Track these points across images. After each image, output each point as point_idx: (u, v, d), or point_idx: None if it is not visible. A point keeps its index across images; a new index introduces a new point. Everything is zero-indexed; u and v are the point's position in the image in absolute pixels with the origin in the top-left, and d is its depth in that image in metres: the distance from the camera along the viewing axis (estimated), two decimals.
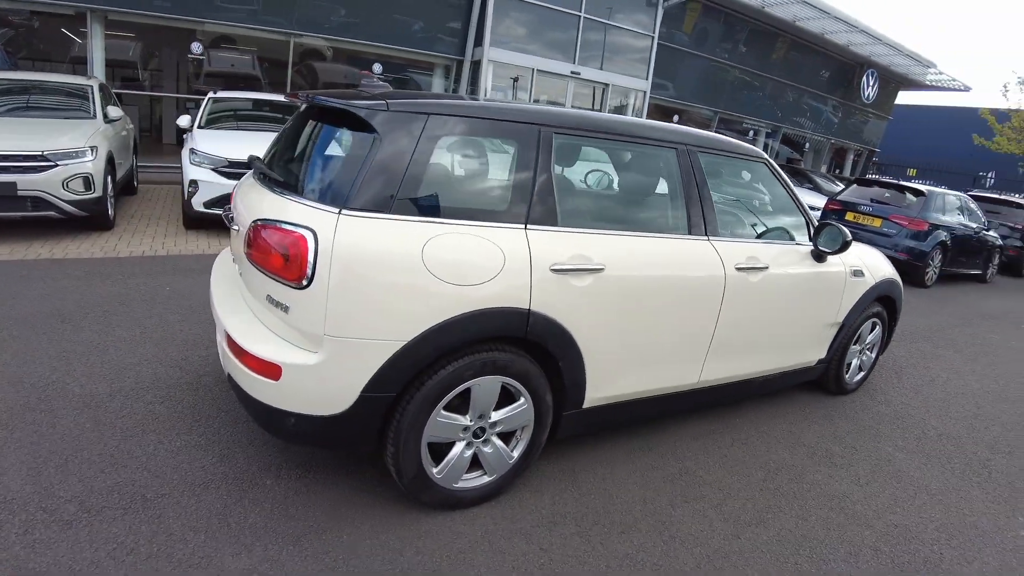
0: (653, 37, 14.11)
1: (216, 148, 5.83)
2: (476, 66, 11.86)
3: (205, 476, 2.42)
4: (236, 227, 2.39)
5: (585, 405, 2.59)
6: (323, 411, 2.05)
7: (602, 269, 2.41)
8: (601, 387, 2.60)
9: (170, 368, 3.25)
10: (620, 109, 14.35)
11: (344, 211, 1.97)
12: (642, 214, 2.79)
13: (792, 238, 3.38)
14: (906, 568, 2.52)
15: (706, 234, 2.87)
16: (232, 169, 5.80)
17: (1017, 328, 7.35)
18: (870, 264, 3.97)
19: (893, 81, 20.95)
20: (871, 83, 19.81)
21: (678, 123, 17.69)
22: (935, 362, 5.39)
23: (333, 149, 2.35)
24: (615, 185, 3.20)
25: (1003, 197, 12.84)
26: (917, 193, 9.05)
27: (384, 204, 2.01)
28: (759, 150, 3.35)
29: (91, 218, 5.50)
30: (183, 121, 6.48)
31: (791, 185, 3.50)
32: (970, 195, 11.06)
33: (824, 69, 18.98)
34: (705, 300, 2.86)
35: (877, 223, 8.84)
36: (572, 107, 13.52)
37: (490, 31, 11.50)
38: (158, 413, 2.83)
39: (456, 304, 2.08)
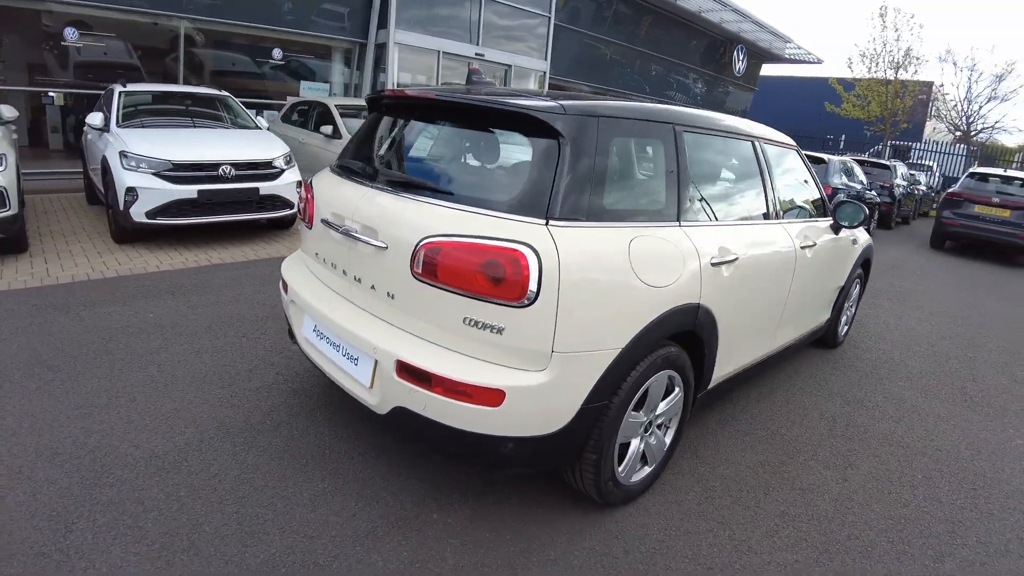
0: (549, 17, 14.49)
1: (154, 150, 5.27)
2: (381, 49, 11.52)
3: (366, 524, 2.24)
4: (380, 243, 2.16)
5: (710, 386, 2.81)
6: (543, 431, 2.01)
7: (737, 258, 2.65)
8: (723, 367, 2.85)
9: (227, 409, 2.94)
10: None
11: (551, 222, 1.94)
12: (742, 203, 3.04)
13: (811, 214, 3.81)
14: (968, 483, 3.05)
15: (776, 217, 3.20)
16: (178, 173, 5.29)
17: (914, 274, 8.61)
18: (858, 232, 4.55)
19: (758, 55, 23.14)
20: (741, 58, 21.76)
21: None
22: (879, 311, 6.23)
23: (504, 154, 2.29)
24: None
25: (873, 160, 14.77)
26: (819, 161, 10.23)
27: (580, 211, 2.02)
28: (791, 139, 3.76)
29: (5, 240, 4.78)
30: (95, 119, 5.76)
31: (811, 167, 3.95)
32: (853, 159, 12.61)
33: (702, 46, 20.54)
34: (785, 277, 3.22)
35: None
36: None
37: (395, 12, 11.21)
38: (255, 464, 2.53)
39: (657, 305, 2.18)
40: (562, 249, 1.90)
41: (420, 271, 2.02)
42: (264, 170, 5.79)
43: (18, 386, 2.98)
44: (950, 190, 11.12)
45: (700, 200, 2.59)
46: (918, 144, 26.99)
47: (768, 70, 25.55)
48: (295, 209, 6.15)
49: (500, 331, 1.92)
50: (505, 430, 1.97)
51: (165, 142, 5.45)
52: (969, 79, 20.47)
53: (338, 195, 2.51)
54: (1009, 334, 5.93)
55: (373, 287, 2.25)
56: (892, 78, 23.10)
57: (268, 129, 6.77)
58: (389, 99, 2.66)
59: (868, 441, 3.35)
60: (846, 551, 2.41)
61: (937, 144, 23.45)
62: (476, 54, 12.94)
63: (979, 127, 21.20)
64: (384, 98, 2.69)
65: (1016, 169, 16.79)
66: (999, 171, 11.69)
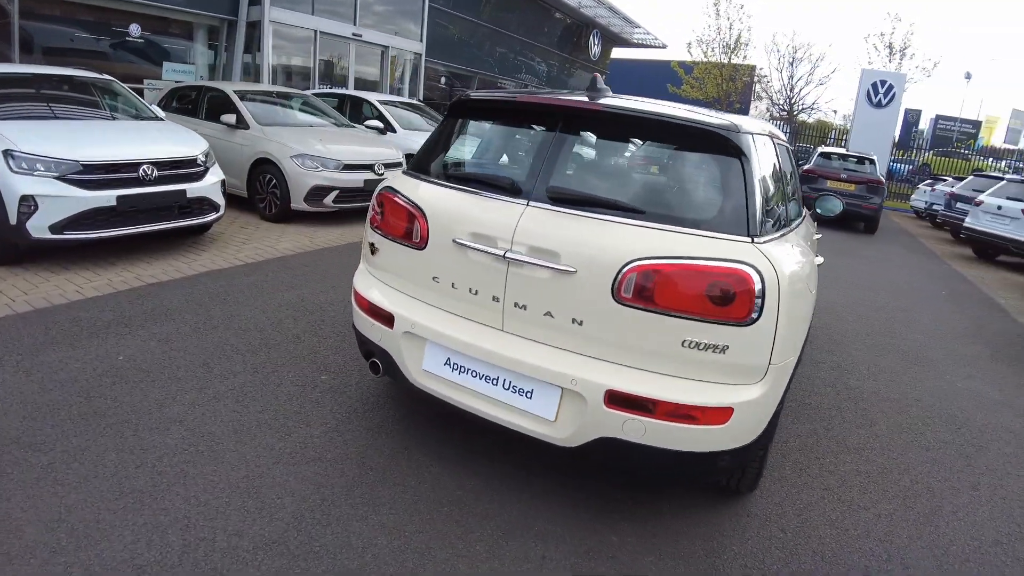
0: None
1: (55, 148, 4.29)
2: (253, 28, 10.41)
3: (563, 562, 2.13)
4: (566, 267, 2.03)
5: None
6: (751, 438, 2.07)
7: (821, 258, 2.92)
8: None
9: (309, 465, 2.45)
10: (401, 74, 14.05)
11: (755, 239, 1.99)
12: (795, 204, 3.21)
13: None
14: (951, 424, 3.66)
15: (801, 214, 3.47)
16: (90, 176, 4.37)
17: None
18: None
19: (610, 39, 24.30)
20: (596, 42, 22.70)
21: (447, 85, 18.05)
22: None
23: (681, 170, 2.30)
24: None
25: None
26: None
27: (765, 226, 2.09)
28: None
29: None
30: None
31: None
32: None
33: (561, 30, 21.11)
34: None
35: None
36: (355, 71, 12.85)
37: None
38: (396, 525, 2.19)
39: (811, 309, 2.36)
40: (776, 265, 1.96)
41: (630, 296, 1.96)
42: (189, 169, 5.00)
43: (6, 478, 2.28)
44: (805, 167, 12.54)
45: (791, 205, 2.81)
46: None
47: (617, 53, 26.97)
48: (221, 212, 5.40)
49: (724, 350, 1.93)
50: (725, 444, 2.02)
51: (65, 138, 4.48)
52: (792, 64, 23.15)
53: (474, 211, 2.26)
54: (893, 295, 6.95)
55: (550, 314, 2.10)
56: (725, 62, 25.43)
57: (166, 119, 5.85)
58: (521, 104, 2.50)
59: (868, 400, 3.83)
60: (918, 495, 2.82)
61: (773, 119, 26.36)
62: (354, 34, 12.19)
63: (799, 108, 24.13)
64: (511, 103, 2.56)
65: (832, 145, 19.39)
66: (842, 150, 13.40)
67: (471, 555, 2.10)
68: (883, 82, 16.03)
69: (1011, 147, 24.33)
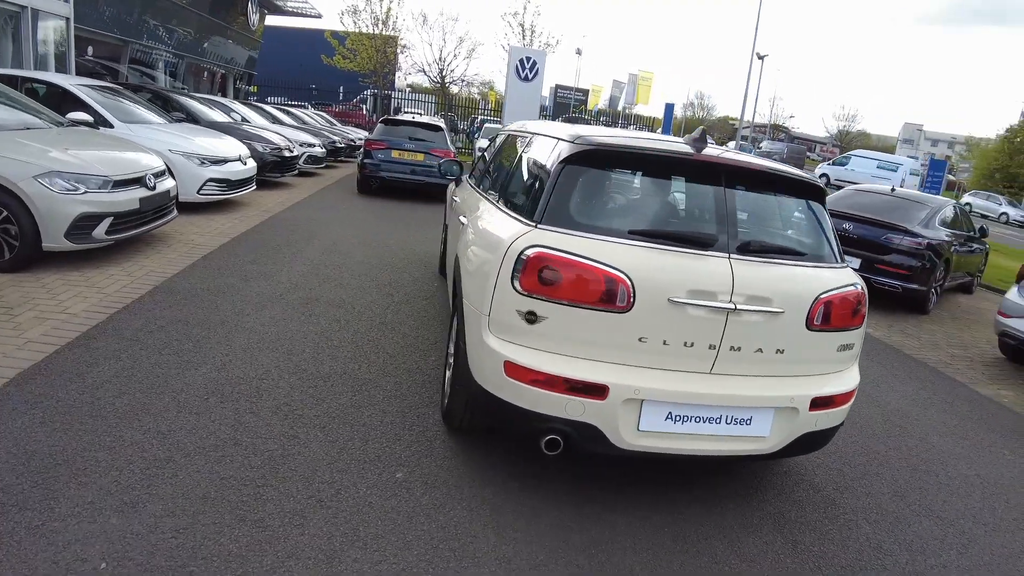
0: None
1: None
2: None
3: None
4: (777, 309, 2.34)
5: None
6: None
7: None
8: None
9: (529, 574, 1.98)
10: (44, 45, 10.29)
11: (848, 265, 2.70)
12: None
13: None
14: None
15: None
16: None
17: None
18: None
19: (266, 8, 21.57)
20: (255, 11, 19.93)
21: (93, 60, 13.97)
22: None
23: (806, 216, 2.74)
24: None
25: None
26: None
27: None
28: None
29: None
30: None
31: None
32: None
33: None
34: None
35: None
36: None
37: None
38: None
39: None
40: (861, 280, 2.65)
41: (819, 323, 2.42)
42: None
43: None
44: (368, 138, 11.10)
45: None
46: (395, 92, 30.48)
47: (272, 21, 24.19)
48: None
49: (852, 347, 2.62)
50: (848, 411, 2.63)
51: None
52: (443, 38, 24.13)
53: (682, 269, 2.30)
54: None
55: (760, 350, 2.38)
56: (376, 32, 25.16)
57: None
58: (676, 161, 2.60)
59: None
60: (863, 425, 3.76)
61: (413, 91, 27.14)
62: None
63: (450, 79, 25.50)
64: (662, 157, 2.57)
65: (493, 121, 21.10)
66: (408, 117, 13.30)
67: (754, 553, 2.43)
68: (528, 58, 17.84)
69: (611, 108, 30.60)
